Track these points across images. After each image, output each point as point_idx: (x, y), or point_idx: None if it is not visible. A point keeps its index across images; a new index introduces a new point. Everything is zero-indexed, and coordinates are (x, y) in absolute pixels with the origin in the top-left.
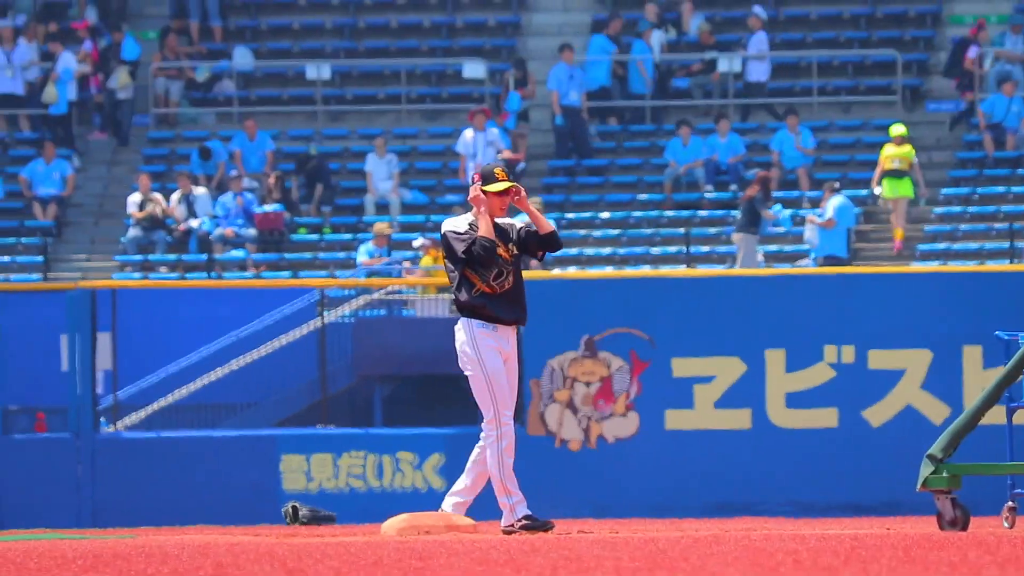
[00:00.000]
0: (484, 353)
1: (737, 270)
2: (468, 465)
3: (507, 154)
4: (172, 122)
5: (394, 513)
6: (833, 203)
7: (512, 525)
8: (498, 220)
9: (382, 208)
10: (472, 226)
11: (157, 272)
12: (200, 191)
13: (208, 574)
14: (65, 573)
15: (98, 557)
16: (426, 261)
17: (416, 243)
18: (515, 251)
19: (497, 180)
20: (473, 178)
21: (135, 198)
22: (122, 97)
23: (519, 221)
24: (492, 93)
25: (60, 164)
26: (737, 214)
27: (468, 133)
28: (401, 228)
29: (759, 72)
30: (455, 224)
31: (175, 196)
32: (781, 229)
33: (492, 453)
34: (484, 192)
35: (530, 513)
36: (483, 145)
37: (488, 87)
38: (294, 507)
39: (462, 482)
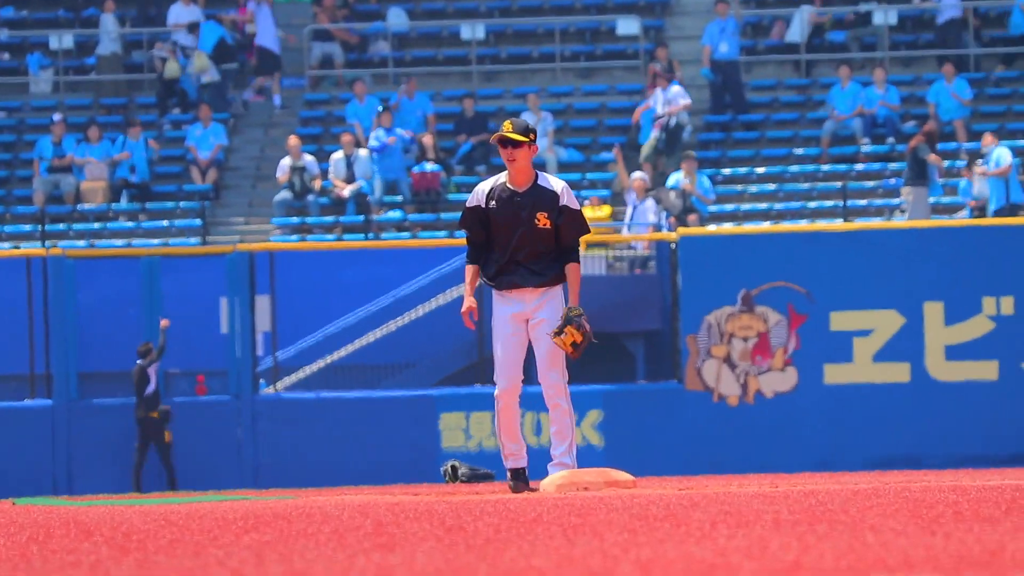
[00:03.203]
0: (495, 319)
1: (892, 223)
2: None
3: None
4: (328, 84)
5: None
6: (999, 152)
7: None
8: (542, 183)
9: (536, 167)
10: (494, 190)
11: (314, 234)
12: (362, 152)
13: (368, 533)
14: (226, 534)
15: (259, 518)
16: None
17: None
18: (542, 221)
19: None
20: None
21: (285, 162)
22: (205, 81)
23: (562, 188)
24: (646, 49)
25: (216, 128)
26: (898, 167)
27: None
28: None
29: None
30: (480, 187)
31: (336, 156)
32: (939, 181)
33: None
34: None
35: (517, 469)
36: (662, 103)
37: (642, 43)
38: (453, 466)
39: (552, 443)
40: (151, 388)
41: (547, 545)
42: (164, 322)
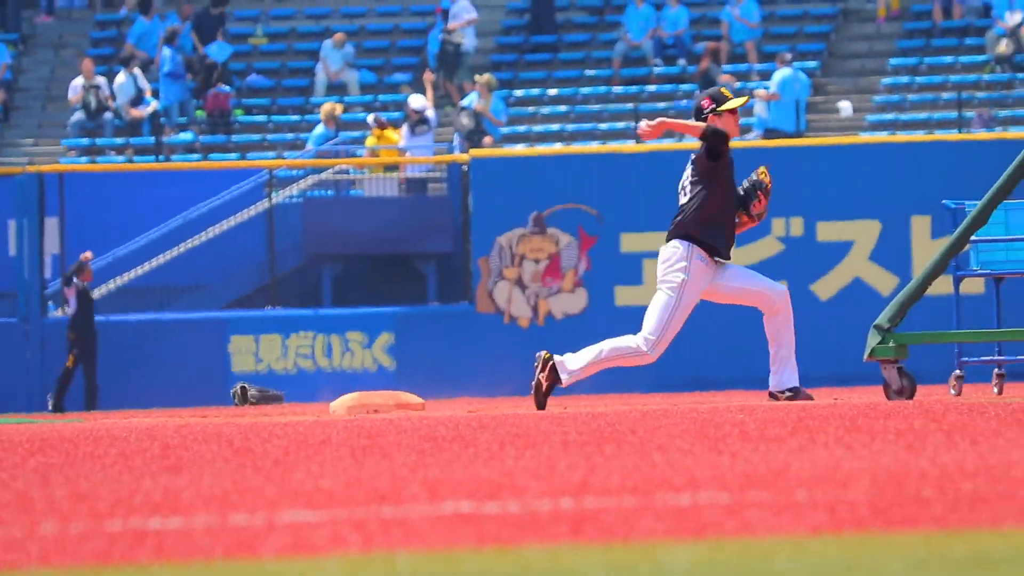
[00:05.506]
0: (692, 290)
1: (684, 144)
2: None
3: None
4: (117, 4)
5: (344, 393)
6: (777, 76)
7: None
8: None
9: (335, 89)
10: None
11: (105, 156)
12: (137, 71)
13: (155, 455)
14: (12, 457)
15: (45, 441)
16: (370, 141)
17: (370, 119)
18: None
19: (727, 99)
20: (701, 105)
21: (77, 82)
22: None
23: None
24: None
25: None
26: (690, 88)
27: None
28: (347, 108)
29: None
30: None
31: (120, 77)
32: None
33: (617, 351)
34: (719, 113)
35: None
36: (450, 17)
37: None
38: (243, 388)
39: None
40: (70, 310)
41: (335, 467)
42: (86, 254)
